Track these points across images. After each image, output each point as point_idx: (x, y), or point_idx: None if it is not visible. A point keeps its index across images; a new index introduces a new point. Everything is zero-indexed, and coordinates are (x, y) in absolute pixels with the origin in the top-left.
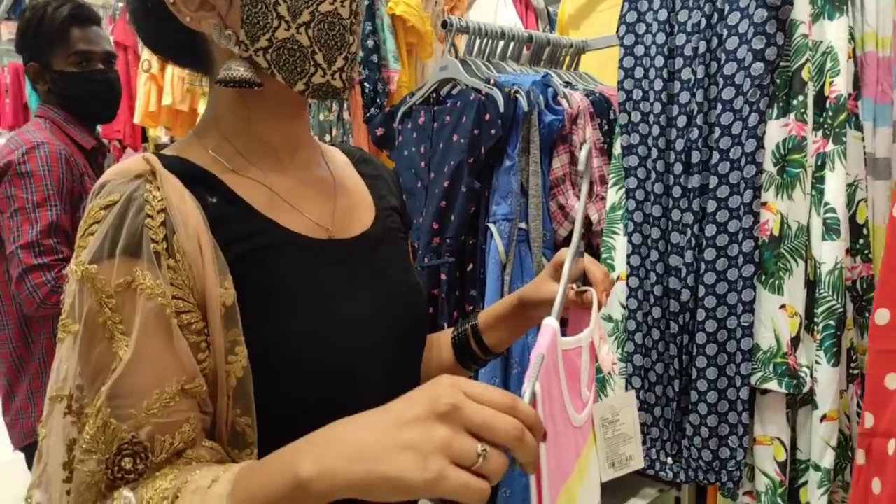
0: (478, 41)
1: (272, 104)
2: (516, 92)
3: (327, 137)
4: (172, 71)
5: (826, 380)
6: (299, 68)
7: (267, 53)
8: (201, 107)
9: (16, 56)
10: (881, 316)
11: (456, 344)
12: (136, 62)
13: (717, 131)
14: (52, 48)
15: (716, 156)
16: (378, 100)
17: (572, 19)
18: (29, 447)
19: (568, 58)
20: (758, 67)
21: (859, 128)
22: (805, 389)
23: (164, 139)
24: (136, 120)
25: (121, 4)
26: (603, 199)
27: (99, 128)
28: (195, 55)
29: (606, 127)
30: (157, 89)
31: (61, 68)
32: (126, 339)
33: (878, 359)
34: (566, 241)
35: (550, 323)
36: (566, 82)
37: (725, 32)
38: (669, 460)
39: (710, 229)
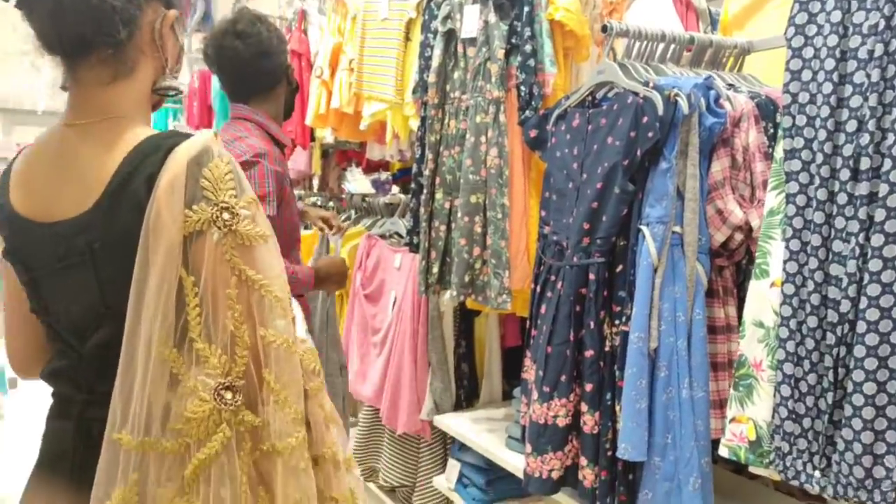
0: (637, 44)
1: None
2: (676, 94)
3: (482, 139)
4: (340, 77)
5: None
6: None
7: None
8: (366, 110)
9: (202, 64)
10: None
11: None
12: (308, 69)
13: (892, 137)
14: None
15: (888, 163)
16: (533, 102)
17: (737, 19)
18: None
19: (731, 59)
20: None
21: None
22: None
23: (329, 139)
24: (308, 122)
25: (296, 16)
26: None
27: None
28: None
29: (772, 130)
30: (327, 94)
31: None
32: None
33: None
34: (723, 247)
35: None
36: (729, 84)
37: None
38: (817, 473)
39: (878, 239)
